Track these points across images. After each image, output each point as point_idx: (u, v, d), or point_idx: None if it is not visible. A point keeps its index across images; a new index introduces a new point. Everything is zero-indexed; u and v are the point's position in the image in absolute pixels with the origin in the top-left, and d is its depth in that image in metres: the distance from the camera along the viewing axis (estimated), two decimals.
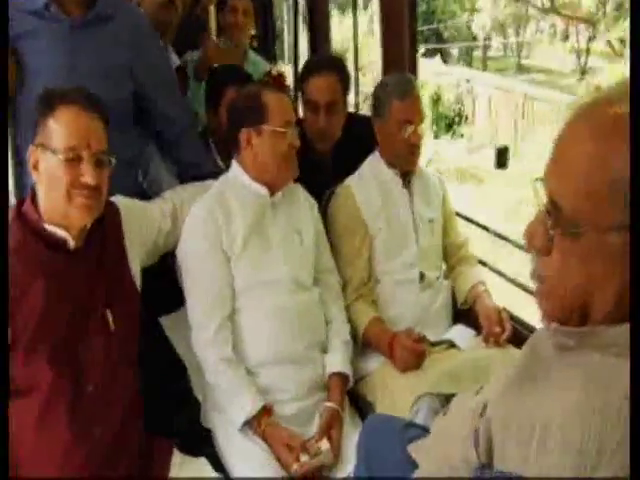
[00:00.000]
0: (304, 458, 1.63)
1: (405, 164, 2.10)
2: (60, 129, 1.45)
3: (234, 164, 1.89)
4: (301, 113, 2.31)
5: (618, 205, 0.76)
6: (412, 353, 1.87)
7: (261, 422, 1.68)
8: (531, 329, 2.08)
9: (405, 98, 2.02)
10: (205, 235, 1.78)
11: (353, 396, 1.93)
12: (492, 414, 0.90)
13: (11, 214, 1.51)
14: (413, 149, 2.05)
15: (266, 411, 1.70)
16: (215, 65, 2.51)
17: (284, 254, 1.84)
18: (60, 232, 1.48)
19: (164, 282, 1.84)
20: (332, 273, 2.00)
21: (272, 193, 1.86)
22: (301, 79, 2.28)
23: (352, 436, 1.73)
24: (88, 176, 1.44)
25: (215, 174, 1.96)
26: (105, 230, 1.59)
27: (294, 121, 1.86)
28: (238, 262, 1.79)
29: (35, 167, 1.48)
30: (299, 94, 2.36)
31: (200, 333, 1.76)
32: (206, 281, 1.77)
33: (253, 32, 3.47)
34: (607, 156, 0.76)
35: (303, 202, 1.98)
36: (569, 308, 0.84)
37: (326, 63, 2.26)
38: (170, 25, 2.49)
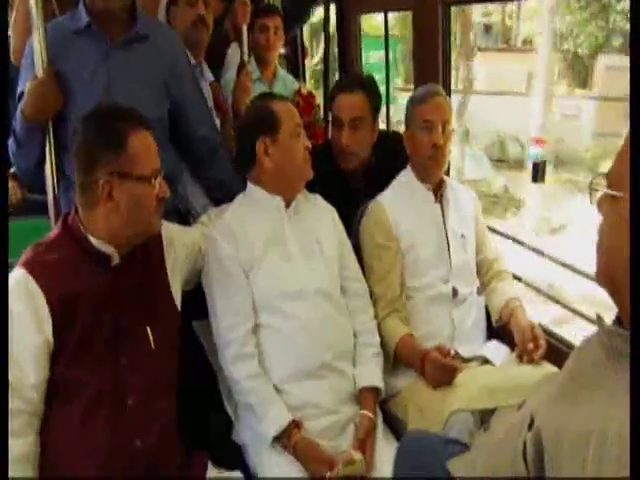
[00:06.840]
0: (337, 468, 1.60)
1: (430, 170, 2.06)
2: (140, 156, 1.49)
3: (249, 184, 1.90)
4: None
5: None
6: (443, 369, 1.83)
7: (291, 437, 1.67)
8: (567, 344, 2.05)
9: (426, 101, 2.02)
10: (221, 252, 1.78)
11: (384, 413, 1.90)
12: (542, 425, 0.88)
13: (57, 227, 1.56)
14: (436, 152, 2.00)
15: (296, 425, 1.68)
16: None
17: (305, 264, 1.83)
18: (106, 247, 1.52)
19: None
20: (359, 281, 1.97)
21: (288, 204, 1.87)
22: (330, 97, 2.31)
23: (385, 451, 1.71)
24: (164, 190, 1.55)
25: None
26: (148, 250, 1.62)
27: (302, 125, 1.89)
28: (257, 274, 1.78)
29: (110, 196, 1.47)
30: (330, 114, 2.37)
31: (226, 350, 1.75)
32: (225, 297, 1.76)
33: (282, 50, 3.51)
34: None
35: (322, 211, 1.97)
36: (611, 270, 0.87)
37: (355, 81, 2.28)
38: (201, 42, 2.52)
